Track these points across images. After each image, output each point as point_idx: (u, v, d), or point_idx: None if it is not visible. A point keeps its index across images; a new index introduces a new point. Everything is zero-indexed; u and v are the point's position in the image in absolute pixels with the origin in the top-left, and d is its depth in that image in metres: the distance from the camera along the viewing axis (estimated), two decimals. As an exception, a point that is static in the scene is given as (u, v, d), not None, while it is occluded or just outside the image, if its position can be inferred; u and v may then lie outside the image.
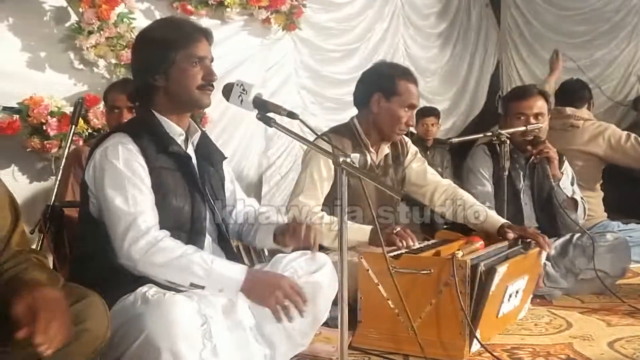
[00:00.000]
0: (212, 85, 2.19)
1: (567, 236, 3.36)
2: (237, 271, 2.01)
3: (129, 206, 2.00)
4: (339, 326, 1.95)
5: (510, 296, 2.58)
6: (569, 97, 4.44)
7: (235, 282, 1.98)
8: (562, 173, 3.43)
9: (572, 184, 3.51)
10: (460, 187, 3.19)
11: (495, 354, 2.38)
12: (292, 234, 2.19)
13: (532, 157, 3.41)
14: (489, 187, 3.40)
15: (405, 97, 2.94)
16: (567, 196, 3.40)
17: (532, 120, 3.38)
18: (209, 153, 2.34)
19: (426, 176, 3.16)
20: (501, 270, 2.37)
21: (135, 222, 1.98)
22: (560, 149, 3.70)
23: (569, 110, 4.23)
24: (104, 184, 2.04)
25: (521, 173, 3.46)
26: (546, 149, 3.37)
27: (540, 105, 3.42)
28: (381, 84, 2.97)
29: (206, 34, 2.21)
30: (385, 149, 3.08)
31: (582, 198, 3.51)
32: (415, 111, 3.02)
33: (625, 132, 4.14)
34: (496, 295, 2.44)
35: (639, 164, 4.11)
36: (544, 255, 2.89)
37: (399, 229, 2.68)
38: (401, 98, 2.93)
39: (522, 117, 3.41)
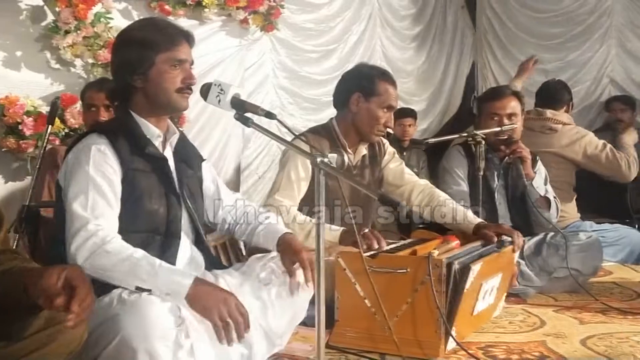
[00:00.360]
0: (191, 89, 2.19)
1: (541, 235, 3.41)
2: (184, 278, 1.95)
3: (86, 210, 1.99)
4: (316, 325, 1.97)
5: (485, 294, 2.62)
6: (549, 98, 4.49)
7: (181, 288, 1.92)
8: (535, 173, 3.48)
9: (545, 184, 3.56)
10: (437, 187, 3.23)
11: (470, 351, 2.41)
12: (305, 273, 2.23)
13: (506, 157, 3.46)
14: (464, 187, 3.45)
15: (384, 98, 2.97)
16: (540, 195, 3.45)
17: (506, 120, 3.43)
18: (187, 155, 2.34)
19: (403, 176, 3.19)
20: (475, 268, 2.40)
21: (87, 226, 1.96)
22: (538, 150, 3.76)
23: (549, 112, 4.27)
24: (69, 186, 2.04)
25: (495, 173, 3.50)
26: (519, 149, 3.42)
27: (513, 105, 3.47)
28: (361, 84, 3.01)
29: (188, 37, 2.21)
30: (363, 150, 3.11)
31: (554, 197, 3.56)
32: (393, 113, 3.04)
33: (602, 142, 4.19)
34: (471, 293, 2.47)
35: (613, 173, 4.19)
36: (516, 253, 2.92)
37: (366, 230, 2.70)
38: (380, 98, 2.97)
39: (495, 118, 3.46)
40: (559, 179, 4.02)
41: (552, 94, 4.51)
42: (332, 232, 2.77)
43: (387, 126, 3.02)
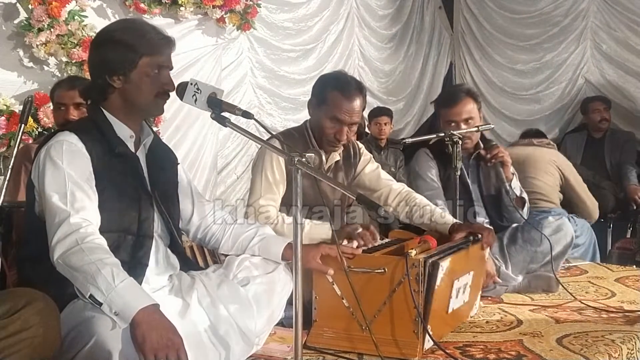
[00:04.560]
0: (169, 94, 2.18)
1: (513, 226, 3.48)
2: (139, 301, 1.84)
3: (66, 204, 1.96)
4: (294, 326, 1.96)
5: (458, 292, 2.62)
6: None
7: (131, 310, 1.81)
8: (513, 175, 3.49)
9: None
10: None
11: (447, 351, 2.41)
12: None
13: (487, 161, 3.42)
14: (438, 189, 3.43)
15: (331, 108, 2.87)
16: (516, 195, 3.47)
17: (463, 125, 3.37)
18: (161, 157, 2.32)
19: (380, 180, 3.18)
20: (444, 264, 2.40)
21: (68, 219, 1.93)
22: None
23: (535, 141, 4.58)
24: (45, 183, 2.01)
25: (466, 170, 3.49)
26: (500, 153, 3.39)
27: (469, 109, 3.40)
28: (316, 90, 2.99)
29: (170, 43, 2.21)
30: (336, 155, 3.08)
31: (521, 190, 3.58)
32: (347, 127, 2.90)
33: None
34: (443, 291, 2.47)
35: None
36: (487, 250, 2.93)
37: (360, 229, 2.69)
38: (327, 108, 2.89)
39: (452, 124, 3.39)
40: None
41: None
42: (326, 227, 2.78)
43: (338, 139, 2.91)
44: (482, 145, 3.51)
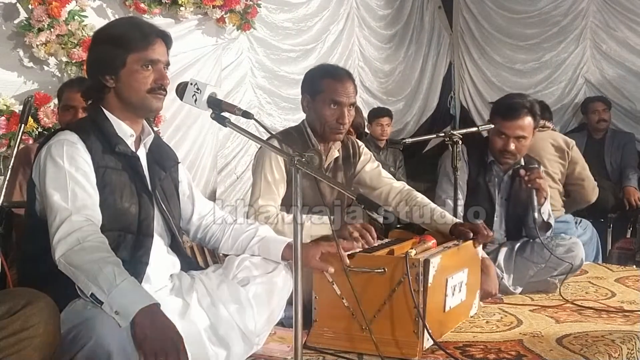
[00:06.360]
0: (165, 90, 2.17)
1: (525, 239, 3.47)
2: (140, 300, 1.83)
3: (67, 202, 1.97)
4: (294, 326, 1.96)
5: (453, 289, 2.62)
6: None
7: (131, 309, 1.80)
8: (545, 199, 3.40)
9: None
10: (419, 187, 3.22)
11: (448, 351, 2.41)
12: None
13: (523, 182, 3.34)
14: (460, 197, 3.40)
15: (327, 94, 2.93)
16: (543, 220, 3.40)
17: (512, 141, 3.30)
18: (161, 156, 2.32)
19: (380, 178, 3.19)
20: (435, 261, 2.41)
21: (69, 218, 1.94)
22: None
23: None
24: (46, 182, 2.01)
25: (497, 184, 3.44)
26: (538, 180, 3.29)
27: (526, 125, 3.30)
28: (307, 85, 3.03)
29: (164, 37, 2.20)
30: (335, 152, 3.09)
31: (549, 216, 3.48)
32: (347, 108, 2.92)
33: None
34: (437, 288, 2.47)
35: None
36: (479, 249, 2.93)
37: (356, 233, 2.69)
38: (323, 95, 2.94)
39: (502, 136, 3.32)
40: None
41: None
42: (325, 224, 2.77)
43: (341, 122, 2.93)
44: (523, 163, 3.43)
